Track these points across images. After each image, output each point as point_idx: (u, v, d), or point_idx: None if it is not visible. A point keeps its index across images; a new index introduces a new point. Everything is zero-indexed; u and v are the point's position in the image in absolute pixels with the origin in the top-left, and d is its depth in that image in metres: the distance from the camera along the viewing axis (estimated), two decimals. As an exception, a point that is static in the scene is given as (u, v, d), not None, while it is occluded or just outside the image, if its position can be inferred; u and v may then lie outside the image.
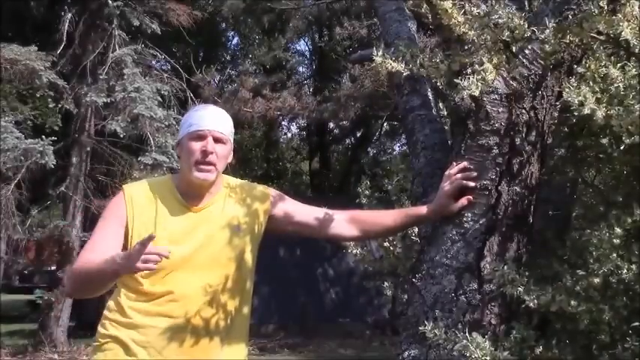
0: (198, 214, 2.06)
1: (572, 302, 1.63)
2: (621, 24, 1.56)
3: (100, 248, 1.98)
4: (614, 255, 1.57)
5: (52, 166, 8.96)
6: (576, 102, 1.57)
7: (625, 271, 1.57)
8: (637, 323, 1.64)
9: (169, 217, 2.04)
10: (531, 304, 1.70)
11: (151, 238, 1.78)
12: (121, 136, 9.42)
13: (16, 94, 9.48)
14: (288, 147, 20.90)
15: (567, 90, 1.60)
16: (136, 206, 2.03)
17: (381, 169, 17.00)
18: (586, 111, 1.55)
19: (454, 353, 1.78)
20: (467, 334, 1.73)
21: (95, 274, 1.93)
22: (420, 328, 1.83)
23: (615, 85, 1.57)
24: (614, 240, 1.57)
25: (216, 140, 2.04)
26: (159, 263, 1.94)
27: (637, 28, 1.57)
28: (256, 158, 18.72)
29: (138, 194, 2.06)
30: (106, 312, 2.06)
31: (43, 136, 8.91)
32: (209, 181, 2.05)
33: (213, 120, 2.05)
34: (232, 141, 2.11)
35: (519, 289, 1.73)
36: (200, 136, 2.03)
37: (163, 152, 9.25)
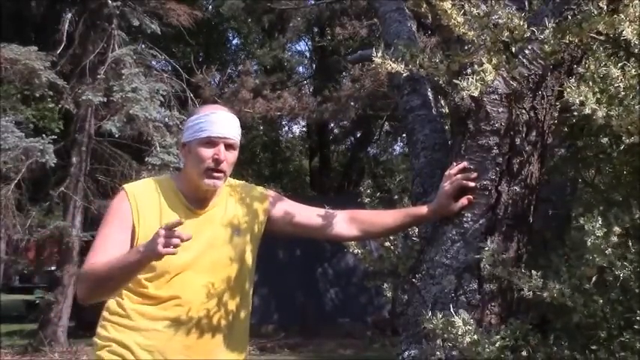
0: (202, 217, 2.06)
1: (566, 291, 1.63)
2: (622, 24, 1.56)
3: (108, 251, 1.93)
4: (609, 250, 1.57)
5: (53, 165, 8.97)
6: (577, 102, 1.57)
7: (619, 265, 1.57)
8: (635, 314, 1.64)
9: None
10: (526, 291, 1.70)
11: (179, 223, 1.75)
12: (116, 136, 9.43)
13: (19, 96, 9.48)
14: (290, 147, 20.91)
15: (568, 90, 1.60)
16: (141, 206, 2.01)
17: (382, 169, 17.00)
18: (587, 111, 1.56)
19: (453, 353, 1.78)
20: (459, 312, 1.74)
21: (117, 270, 1.87)
22: (419, 318, 1.83)
23: (615, 85, 1.58)
24: (612, 238, 1.57)
25: (227, 147, 2.02)
26: (163, 267, 1.95)
27: (639, 29, 1.58)
28: (259, 159, 18.71)
29: (141, 194, 2.04)
30: (105, 313, 2.04)
31: (44, 135, 8.92)
32: (218, 188, 2.05)
33: (225, 126, 2.02)
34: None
35: (516, 274, 1.73)
36: (212, 143, 2.00)
37: (168, 152, 9.26)
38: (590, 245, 1.57)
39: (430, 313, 1.80)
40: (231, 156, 2.04)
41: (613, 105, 1.56)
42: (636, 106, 1.53)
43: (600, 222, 1.58)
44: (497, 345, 1.69)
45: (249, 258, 2.10)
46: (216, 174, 2.01)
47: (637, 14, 1.57)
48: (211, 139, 2.00)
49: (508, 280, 1.79)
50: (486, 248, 1.85)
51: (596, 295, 1.65)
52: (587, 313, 1.66)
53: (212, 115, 2.04)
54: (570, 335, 1.77)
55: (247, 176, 15.89)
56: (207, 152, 2.00)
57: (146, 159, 9.37)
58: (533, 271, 1.69)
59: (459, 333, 1.70)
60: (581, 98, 1.56)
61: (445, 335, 1.75)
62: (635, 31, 1.57)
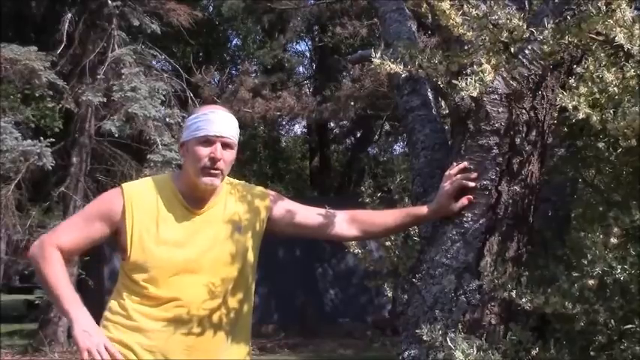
0: (201, 217, 2.05)
1: (567, 304, 1.63)
2: (614, 29, 1.57)
3: (77, 237, 2.03)
4: (609, 255, 1.57)
5: (50, 168, 8.97)
6: (570, 107, 1.57)
7: (619, 270, 1.57)
8: (634, 325, 1.64)
9: (172, 220, 2.03)
10: (526, 307, 1.70)
11: None
12: (116, 136, 9.42)
13: (19, 96, 9.47)
14: (291, 147, 20.90)
15: (561, 95, 1.60)
16: (137, 207, 2.02)
17: (382, 169, 16.98)
18: (581, 116, 1.56)
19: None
20: (461, 335, 1.74)
21: (51, 292, 1.98)
22: (417, 331, 1.83)
23: (610, 88, 1.58)
24: (612, 240, 1.57)
25: (224, 146, 2.02)
26: (162, 268, 1.97)
27: (630, 33, 1.58)
28: (260, 157, 18.70)
29: (138, 194, 2.04)
30: (107, 313, 2.05)
31: (41, 138, 8.92)
32: (215, 186, 2.05)
33: (221, 125, 2.03)
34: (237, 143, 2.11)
35: (512, 292, 1.73)
36: (208, 142, 2.01)
37: (170, 149, 9.25)
38: (590, 257, 1.58)
39: (428, 324, 1.81)
40: (229, 155, 2.04)
41: (608, 109, 1.56)
42: (632, 109, 1.53)
43: (600, 232, 1.58)
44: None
45: (251, 255, 2.10)
46: (212, 171, 2.01)
47: (625, 18, 1.57)
48: (208, 138, 2.01)
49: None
50: (485, 250, 1.85)
51: (597, 303, 1.65)
52: (587, 320, 1.66)
53: (210, 114, 2.05)
54: (570, 340, 1.77)
55: (249, 176, 15.89)
56: (203, 151, 2.00)
57: (148, 156, 9.36)
58: (533, 287, 1.69)
59: None
60: (574, 103, 1.56)
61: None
62: (626, 35, 1.57)
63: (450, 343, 1.73)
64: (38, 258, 2.00)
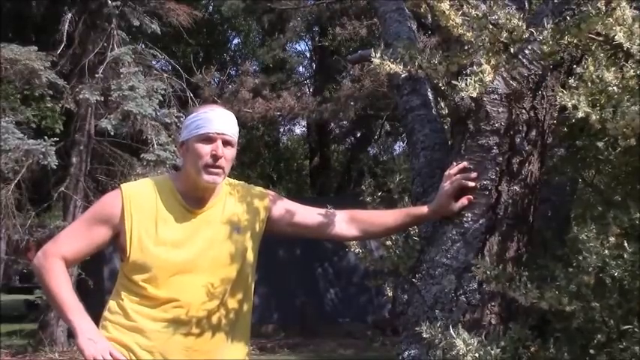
0: (200, 217, 2.06)
1: (563, 299, 1.63)
2: (614, 28, 1.57)
3: (78, 245, 2.03)
4: (605, 252, 1.57)
5: (55, 167, 8.97)
6: (570, 105, 1.57)
7: (614, 265, 1.57)
8: (633, 324, 1.64)
9: (171, 220, 2.03)
10: (522, 301, 1.70)
11: None
12: (112, 134, 9.42)
13: (19, 96, 9.47)
14: (292, 149, 20.91)
15: (560, 94, 1.60)
16: (135, 207, 2.02)
17: (382, 169, 16.99)
18: (580, 114, 1.56)
19: (453, 353, 1.78)
20: (459, 332, 1.74)
21: (56, 301, 1.98)
22: (417, 329, 1.84)
23: (610, 87, 1.58)
24: (610, 238, 1.57)
25: (225, 143, 2.03)
26: (160, 268, 1.97)
27: (629, 32, 1.58)
28: (263, 159, 18.70)
29: (137, 195, 2.04)
30: (106, 313, 2.06)
31: (45, 137, 8.92)
32: (217, 184, 2.05)
33: (222, 122, 2.04)
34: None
35: (506, 285, 1.73)
36: (209, 139, 2.01)
37: (165, 149, 9.24)
38: (585, 252, 1.58)
39: (428, 323, 1.81)
40: (229, 153, 2.05)
41: (607, 108, 1.56)
42: (631, 109, 1.53)
43: (594, 228, 1.58)
44: (498, 359, 1.69)
45: (250, 257, 2.10)
46: (214, 169, 2.01)
47: (625, 17, 1.58)
48: (209, 136, 2.01)
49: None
50: (485, 251, 1.85)
51: (594, 300, 1.65)
52: (584, 317, 1.66)
53: (210, 112, 2.06)
54: (570, 338, 1.77)
55: (253, 178, 15.87)
56: (205, 148, 2.01)
57: (142, 155, 9.36)
58: (529, 283, 1.69)
59: (460, 353, 1.70)
60: (574, 102, 1.57)
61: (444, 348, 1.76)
62: (625, 34, 1.57)
63: (451, 332, 1.73)
64: (41, 269, 2.01)
